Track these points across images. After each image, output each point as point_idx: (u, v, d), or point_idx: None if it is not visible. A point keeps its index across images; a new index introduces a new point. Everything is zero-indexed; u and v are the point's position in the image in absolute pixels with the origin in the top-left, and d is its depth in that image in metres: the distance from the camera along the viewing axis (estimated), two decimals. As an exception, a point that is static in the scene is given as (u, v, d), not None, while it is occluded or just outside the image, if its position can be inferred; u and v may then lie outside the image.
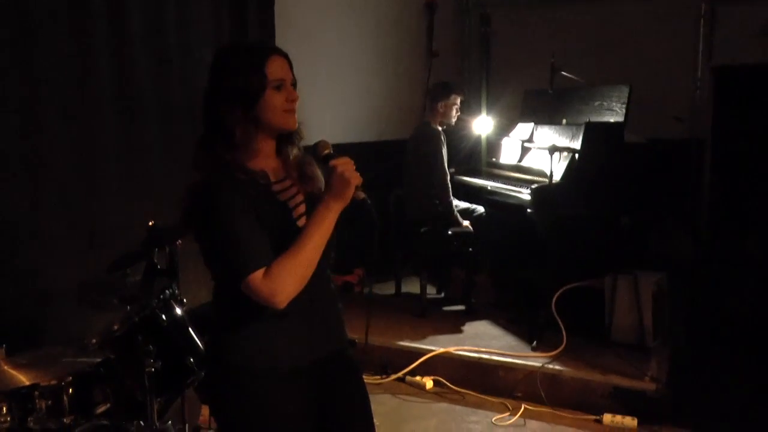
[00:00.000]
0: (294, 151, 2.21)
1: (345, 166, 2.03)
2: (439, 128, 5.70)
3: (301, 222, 2.12)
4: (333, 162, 2.04)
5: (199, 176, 2.07)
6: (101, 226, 4.03)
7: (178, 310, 3.11)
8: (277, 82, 2.07)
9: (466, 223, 5.61)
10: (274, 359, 2.11)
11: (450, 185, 5.61)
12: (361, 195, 2.11)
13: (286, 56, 2.13)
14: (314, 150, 2.15)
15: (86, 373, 2.79)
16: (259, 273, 1.97)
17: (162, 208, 4.39)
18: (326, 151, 2.12)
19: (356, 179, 2.04)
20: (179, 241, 3.35)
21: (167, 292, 3.11)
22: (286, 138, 2.19)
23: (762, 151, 6.58)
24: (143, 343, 2.75)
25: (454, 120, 5.77)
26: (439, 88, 5.81)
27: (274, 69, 2.07)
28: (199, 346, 3.09)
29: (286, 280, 1.98)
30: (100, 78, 4.06)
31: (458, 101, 5.74)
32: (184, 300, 3.20)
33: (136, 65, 4.28)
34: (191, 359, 2.97)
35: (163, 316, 2.97)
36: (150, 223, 3.26)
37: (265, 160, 2.15)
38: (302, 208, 2.15)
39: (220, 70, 2.10)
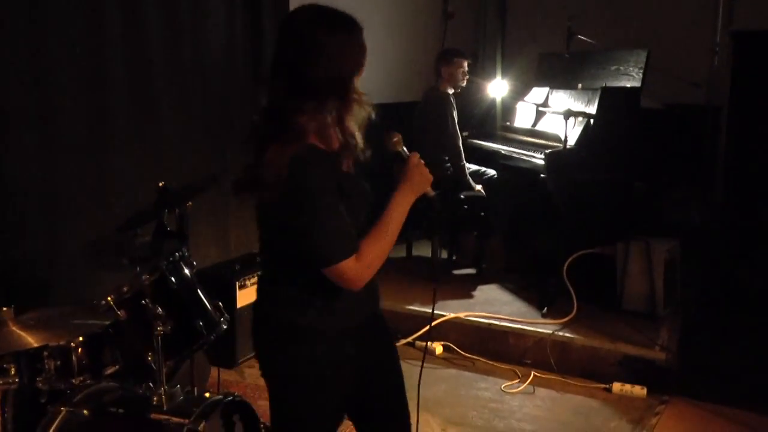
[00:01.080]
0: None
1: (421, 163, 2.14)
2: (449, 91, 5.63)
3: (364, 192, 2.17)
4: (413, 160, 2.15)
5: (289, 148, 1.96)
6: (111, 186, 4.00)
7: (188, 272, 3.07)
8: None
9: (478, 187, 5.56)
10: (329, 318, 2.12)
11: (462, 148, 5.56)
12: (432, 192, 2.21)
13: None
14: (385, 140, 2.20)
15: (95, 334, 2.77)
16: (352, 259, 1.98)
17: (173, 168, 4.38)
18: (399, 147, 2.20)
19: (431, 176, 2.15)
20: (190, 202, 3.32)
21: (177, 254, 3.08)
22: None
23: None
24: (153, 306, 2.73)
25: (462, 83, 5.70)
26: (442, 53, 5.77)
27: (364, 47, 2.09)
28: (208, 308, 3.06)
29: (373, 266, 2.04)
30: (111, 36, 3.99)
31: (464, 65, 5.66)
32: (194, 262, 3.17)
33: (148, 24, 4.21)
34: (200, 323, 2.95)
35: (173, 278, 2.93)
36: (160, 184, 3.22)
37: (333, 132, 2.09)
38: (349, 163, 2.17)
39: (343, 37, 2.03)
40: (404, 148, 2.21)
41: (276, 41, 2.08)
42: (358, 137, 2.10)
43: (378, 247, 2.03)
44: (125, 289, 2.79)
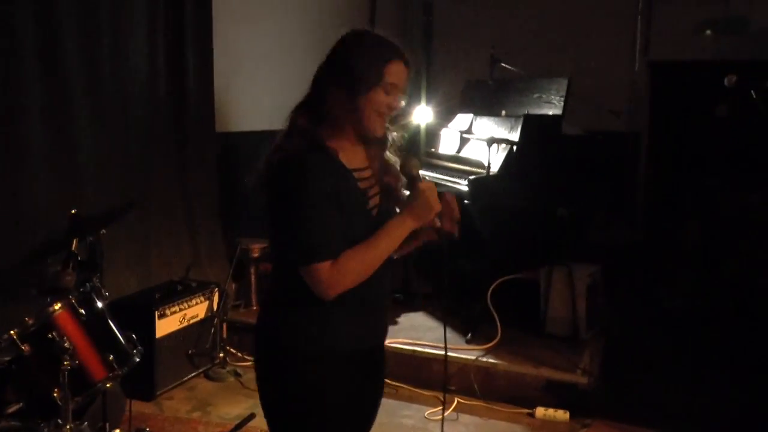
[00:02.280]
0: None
1: (431, 191, 2.10)
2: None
3: (374, 212, 2.16)
4: (421, 185, 2.10)
5: (285, 145, 2.06)
6: (22, 214, 3.86)
7: (99, 304, 2.98)
8: (391, 85, 2.09)
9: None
10: (334, 343, 2.14)
11: None
12: (438, 223, 2.17)
13: (409, 65, 2.15)
14: (404, 163, 2.20)
15: (-3, 370, 2.67)
16: (326, 263, 2.00)
17: (89, 195, 4.27)
18: (416, 171, 2.16)
19: (438, 207, 2.11)
20: (103, 230, 3.23)
21: (88, 284, 2.99)
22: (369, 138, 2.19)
23: (696, 145, 6.68)
24: (59, 339, 2.63)
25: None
26: None
27: (394, 72, 2.09)
28: (120, 341, 2.98)
29: (347, 277, 2.03)
30: (25, 59, 3.88)
31: None
32: (106, 293, 3.08)
33: (64, 42, 4.11)
34: (111, 356, 2.86)
35: (82, 311, 2.84)
36: (72, 212, 3.13)
37: (351, 147, 2.15)
38: (377, 200, 2.18)
39: (347, 49, 2.11)
40: (419, 174, 2.18)
41: None
42: (391, 160, 2.21)
43: (359, 260, 2.04)
44: (30, 322, 2.69)
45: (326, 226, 2.01)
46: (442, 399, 4.42)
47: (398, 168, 2.23)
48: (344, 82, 2.07)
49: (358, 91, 2.06)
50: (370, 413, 2.39)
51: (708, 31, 6.65)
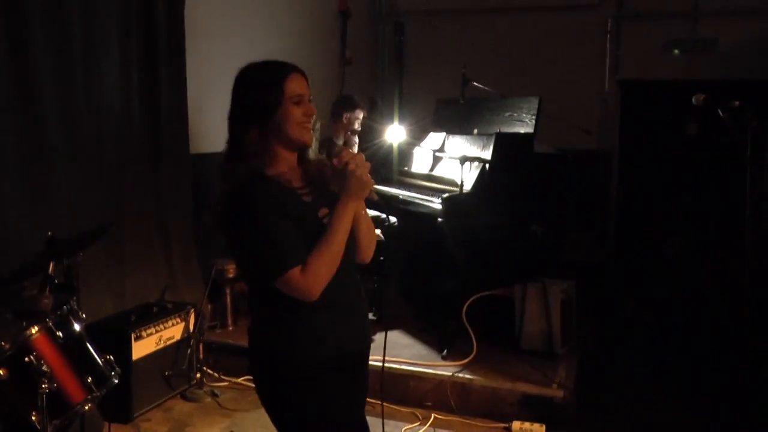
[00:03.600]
0: (311, 156, 2.36)
1: (362, 169, 2.19)
2: (341, 140, 5.71)
3: (327, 221, 2.23)
4: (350, 167, 2.19)
5: (228, 184, 2.19)
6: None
7: (77, 326, 2.98)
8: (297, 97, 2.22)
9: (377, 231, 5.59)
10: (329, 347, 2.24)
11: None
12: (375, 197, 2.31)
13: (304, 74, 2.28)
14: (327, 154, 2.30)
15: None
16: (297, 270, 2.11)
17: (64, 218, 4.25)
18: (340, 155, 2.24)
19: (371, 182, 2.22)
20: (81, 253, 3.23)
21: (65, 307, 2.99)
22: (303, 151, 2.33)
23: (665, 162, 6.79)
24: (37, 362, 2.63)
25: (358, 129, 5.79)
26: (344, 99, 5.86)
27: (294, 86, 2.22)
28: (98, 363, 2.98)
29: (321, 274, 2.14)
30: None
31: (361, 116, 5.77)
32: (83, 315, 3.08)
33: (37, 66, 4.11)
34: (89, 378, 2.86)
35: (60, 333, 2.84)
36: (49, 234, 3.13)
37: (287, 168, 2.28)
38: (325, 211, 2.27)
39: (242, 87, 2.24)
40: (345, 154, 2.25)
41: None
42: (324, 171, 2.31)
43: (324, 258, 2.15)
44: (6, 345, 2.68)
45: (285, 236, 2.13)
46: (418, 415, 4.44)
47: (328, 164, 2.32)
48: (254, 119, 2.20)
49: (270, 117, 2.19)
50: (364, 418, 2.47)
51: (676, 51, 6.78)
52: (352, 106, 5.75)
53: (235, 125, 2.23)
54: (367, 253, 2.44)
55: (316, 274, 2.13)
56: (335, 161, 2.23)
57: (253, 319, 2.33)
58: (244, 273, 2.29)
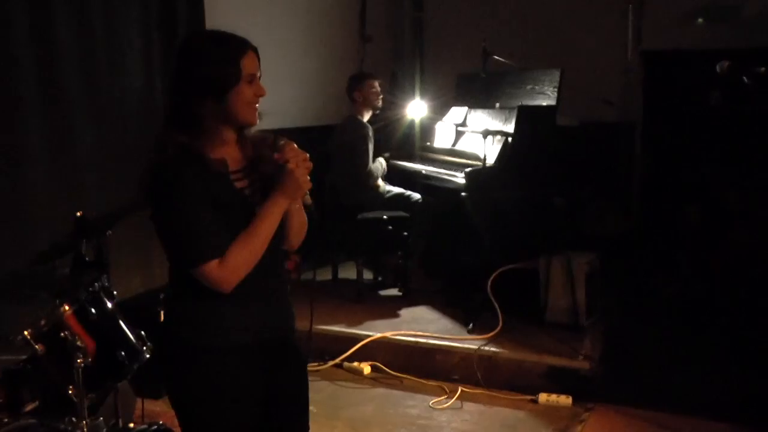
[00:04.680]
0: (250, 133, 2.26)
1: (301, 170, 2.12)
2: (365, 120, 5.71)
3: (258, 209, 2.17)
4: (289, 165, 2.11)
5: (158, 157, 2.10)
6: (27, 217, 3.91)
7: (108, 303, 3.03)
8: (250, 76, 2.13)
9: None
10: (226, 336, 2.18)
11: (374, 178, 5.69)
12: (309, 200, 2.25)
13: (257, 52, 2.18)
14: (275, 143, 2.20)
15: (12, 370, 2.71)
16: (213, 263, 2.06)
17: (92, 197, 4.31)
18: (282, 150, 2.15)
19: (307, 185, 2.14)
20: (109, 231, 3.27)
21: (96, 284, 3.03)
22: (244, 129, 2.23)
23: (689, 133, 6.73)
24: (72, 338, 2.68)
25: (378, 104, 5.79)
26: (351, 79, 5.87)
27: (248, 64, 2.13)
28: (130, 338, 3.02)
29: (237, 270, 2.09)
30: (23, 61, 3.91)
31: (376, 85, 5.76)
32: (115, 292, 3.12)
33: (61, 51, 4.15)
34: (122, 353, 2.91)
35: (93, 310, 2.89)
36: (78, 214, 3.17)
37: (225, 148, 2.19)
38: (257, 196, 2.20)
39: (195, 58, 2.12)
40: (288, 150, 2.17)
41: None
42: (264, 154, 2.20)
43: (245, 252, 2.09)
44: (43, 322, 2.73)
45: (204, 227, 2.07)
46: (445, 389, 4.48)
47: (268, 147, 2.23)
48: (207, 90, 2.09)
49: (224, 94, 2.09)
50: (286, 407, 2.39)
51: (700, 19, 6.69)
52: (359, 83, 5.76)
53: (186, 96, 2.11)
54: (294, 243, 2.36)
55: (234, 268, 2.08)
56: (276, 156, 2.15)
57: (169, 293, 2.28)
58: (163, 246, 2.19)
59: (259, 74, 2.17)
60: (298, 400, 2.44)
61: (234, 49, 2.12)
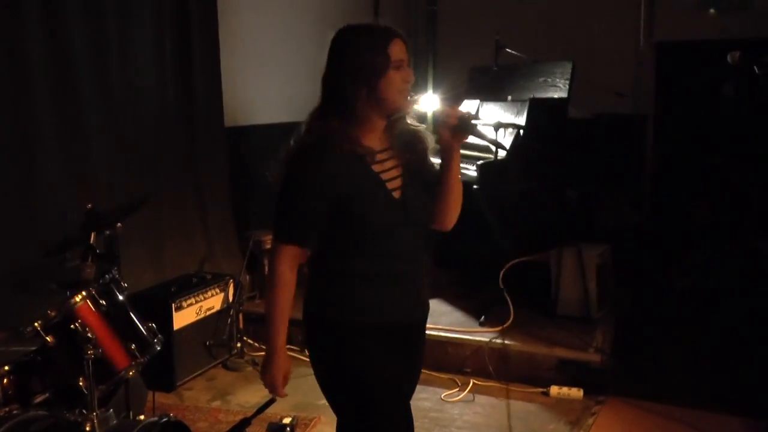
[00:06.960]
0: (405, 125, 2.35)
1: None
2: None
3: (396, 194, 2.27)
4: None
5: (302, 139, 2.24)
6: (38, 210, 3.93)
7: (119, 295, 3.05)
8: (398, 63, 2.21)
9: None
10: (362, 314, 2.27)
11: None
12: (465, 113, 2.32)
13: (405, 39, 2.27)
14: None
15: (22, 362, 2.73)
16: (291, 248, 2.23)
17: (103, 190, 4.33)
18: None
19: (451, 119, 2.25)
20: (119, 224, 3.29)
21: (107, 276, 3.05)
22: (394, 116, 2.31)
23: (701, 124, 6.70)
24: (83, 329, 2.69)
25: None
26: None
27: (396, 50, 2.21)
28: (141, 331, 3.04)
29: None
30: (35, 56, 3.93)
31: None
32: (125, 284, 3.14)
33: (74, 47, 4.17)
34: (132, 345, 2.92)
35: (103, 302, 2.90)
36: (88, 206, 3.19)
37: (374, 134, 2.29)
38: (398, 182, 2.29)
39: (347, 49, 2.23)
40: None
41: None
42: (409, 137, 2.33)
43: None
44: (53, 313, 2.75)
45: (302, 213, 2.20)
46: (457, 381, 4.47)
47: (427, 141, 2.37)
48: (360, 79, 2.18)
49: (376, 81, 2.18)
50: (406, 388, 2.49)
51: (712, 10, 6.65)
52: None
53: (341, 85, 2.20)
54: (453, 218, 2.46)
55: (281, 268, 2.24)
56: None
57: (308, 274, 2.38)
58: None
59: (407, 60, 2.25)
60: (412, 385, 2.55)
61: (381, 37, 2.21)
